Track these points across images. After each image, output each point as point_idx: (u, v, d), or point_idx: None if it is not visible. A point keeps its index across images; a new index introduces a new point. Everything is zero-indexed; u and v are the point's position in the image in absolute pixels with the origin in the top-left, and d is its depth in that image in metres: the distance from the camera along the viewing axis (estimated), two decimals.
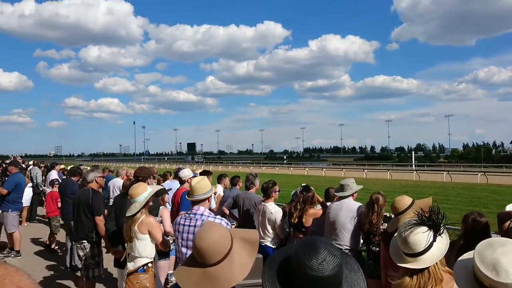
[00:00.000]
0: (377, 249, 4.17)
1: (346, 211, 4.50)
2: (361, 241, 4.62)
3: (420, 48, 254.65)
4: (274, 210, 5.04)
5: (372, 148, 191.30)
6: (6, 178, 8.41)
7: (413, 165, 50.57)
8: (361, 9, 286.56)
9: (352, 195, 4.69)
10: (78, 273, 6.10)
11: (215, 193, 5.76)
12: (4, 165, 12.22)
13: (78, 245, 5.02)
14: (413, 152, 72.54)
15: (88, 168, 7.23)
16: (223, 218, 3.67)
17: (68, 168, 10.19)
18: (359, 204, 4.62)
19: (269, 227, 5.03)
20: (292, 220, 4.84)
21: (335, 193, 4.90)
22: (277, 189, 5.26)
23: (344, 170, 40.00)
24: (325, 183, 20.78)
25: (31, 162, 17.06)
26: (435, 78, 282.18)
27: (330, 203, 5.09)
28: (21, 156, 27.62)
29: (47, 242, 8.52)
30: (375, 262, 4.09)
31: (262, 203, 5.20)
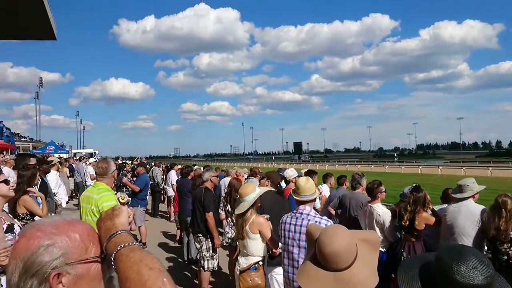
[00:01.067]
0: (505, 257, 3.75)
1: (466, 214, 4.12)
2: (485, 248, 4.17)
3: None
4: (382, 212, 4.84)
5: (498, 143, 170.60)
6: (135, 178, 9.54)
7: None
8: None
9: (472, 196, 4.26)
10: (193, 266, 6.59)
11: (320, 193, 5.73)
12: (134, 166, 13.83)
13: (195, 238, 5.51)
14: None
15: (202, 168, 7.77)
16: (330, 220, 3.64)
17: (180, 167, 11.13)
18: (482, 207, 4.17)
19: (377, 229, 4.84)
20: (403, 223, 4.57)
21: (453, 195, 4.49)
22: (383, 190, 5.04)
23: (464, 168, 36.27)
24: (442, 183, 19.13)
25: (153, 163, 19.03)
26: None
27: (446, 205, 4.71)
28: (146, 158, 30.82)
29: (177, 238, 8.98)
30: (502, 272, 3.65)
31: (369, 204, 5.02)
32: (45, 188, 5.71)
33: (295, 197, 3.50)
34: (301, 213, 3.37)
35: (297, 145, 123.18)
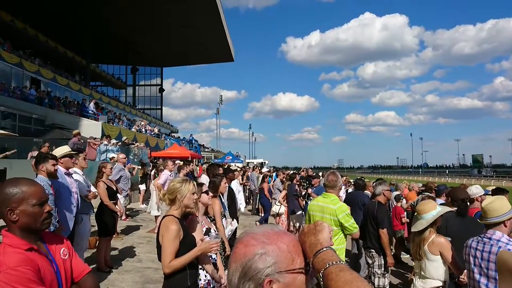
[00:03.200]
0: None
1: None
2: None
3: None
4: None
5: None
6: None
7: None
8: None
9: None
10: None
11: None
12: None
13: (367, 253, 5.43)
14: None
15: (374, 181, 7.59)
16: None
17: (352, 180, 11.04)
18: None
19: None
20: None
21: None
22: None
23: None
24: None
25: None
26: None
27: None
28: (311, 168, 31.58)
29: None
30: None
31: None
32: (233, 194, 6.42)
33: (479, 220, 3.15)
34: (490, 238, 2.99)
35: (477, 158, 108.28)
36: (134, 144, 18.58)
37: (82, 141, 13.72)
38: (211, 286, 3.50)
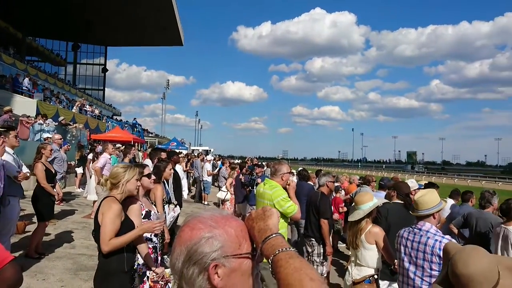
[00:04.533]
0: None
1: None
2: None
3: None
4: None
5: None
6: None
7: None
8: None
9: None
10: None
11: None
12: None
13: (307, 242, 5.57)
14: None
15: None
16: (452, 239, 3.37)
17: (295, 171, 11.24)
18: None
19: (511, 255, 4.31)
20: None
21: None
22: None
23: None
24: None
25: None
26: None
27: None
28: (256, 158, 31.92)
29: None
30: None
31: (502, 225, 4.49)
32: (178, 178, 6.26)
33: (411, 212, 3.33)
34: (420, 229, 3.16)
35: (411, 155, 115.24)
36: (72, 125, 17.60)
37: (14, 119, 12.85)
38: (143, 271, 3.38)
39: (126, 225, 2.89)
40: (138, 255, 3.30)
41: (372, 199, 3.83)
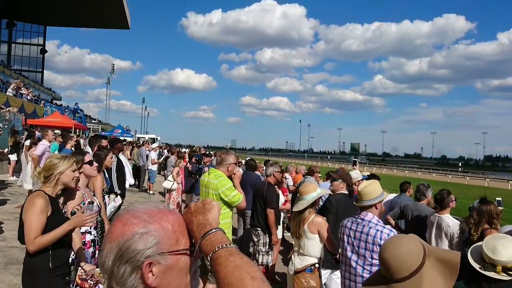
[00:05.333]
0: None
1: None
2: None
3: None
4: (452, 224, 4.53)
5: None
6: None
7: None
8: None
9: None
10: None
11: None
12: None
13: (253, 232, 5.57)
14: None
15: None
16: (393, 229, 3.50)
17: (243, 161, 11.26)
18: None
19: (444, 243, 4.57)
20: (472, 238, 4.28)
21: None
22: (453, 199, 4.74)
23: None
24: (511, 198, 17.64)
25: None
26: None
27: None
28: (204, 147, 31.65)
29: None
30: None
31: (436, 214, 4.75)
32: (122, 166, 5.97)
33: (355, 202, 3.40)
34: (363, 219, 3.24)
35: (355, 146, 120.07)
36: (4, 109, 16.35)
37: None
38: (73, 266, 3.17)
39: (55, 220, 2.69)
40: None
41: (316, 189, 3.88)
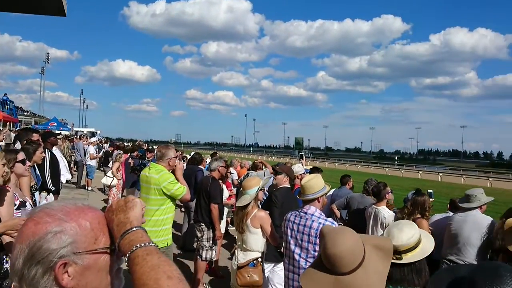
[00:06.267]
0: None
1: (472, 224, 4.04)
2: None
3: None
4: (388, 215, 4.75)
5: (500, 154, 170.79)
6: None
7: None
8: None
9: (480, 207, 4.19)
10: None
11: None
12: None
13: (197, 227, 5.47)
14: None
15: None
16: (335, 222, 3.56)
17: (187, 155, 11.05)
18: (491, 219, 4.09)
19: (380, 233, 4.76)
20: None
21: (460, 204, 4.41)
22: (389, 191, 4.97)
23: (464, 176, 36.20)
24: (441, 189, 19.03)
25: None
26: None
27: (451, 213, 4.65)
28: (147, 142, 30.85)
29: None
30: None
31: (374, 206, 4.95)
32: (56, 161, 5.60)
33: (299, 197, 3.42)
34: (306, 213, 3.26)
35: (299, 141, 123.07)
36: None
37: None
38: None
39: None
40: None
41: (259, 183, 3.87)
